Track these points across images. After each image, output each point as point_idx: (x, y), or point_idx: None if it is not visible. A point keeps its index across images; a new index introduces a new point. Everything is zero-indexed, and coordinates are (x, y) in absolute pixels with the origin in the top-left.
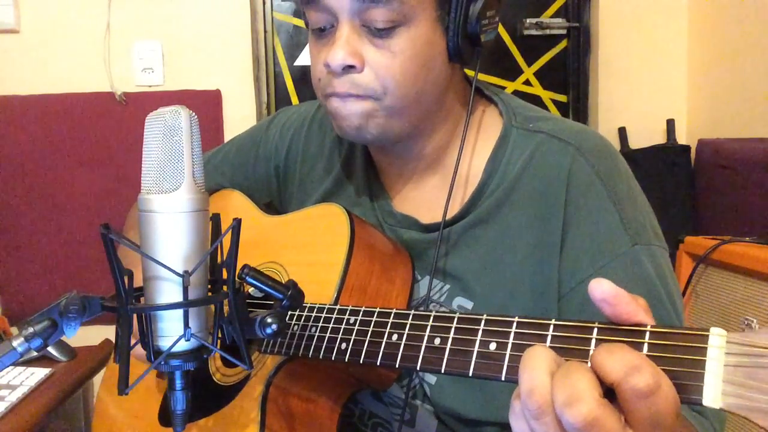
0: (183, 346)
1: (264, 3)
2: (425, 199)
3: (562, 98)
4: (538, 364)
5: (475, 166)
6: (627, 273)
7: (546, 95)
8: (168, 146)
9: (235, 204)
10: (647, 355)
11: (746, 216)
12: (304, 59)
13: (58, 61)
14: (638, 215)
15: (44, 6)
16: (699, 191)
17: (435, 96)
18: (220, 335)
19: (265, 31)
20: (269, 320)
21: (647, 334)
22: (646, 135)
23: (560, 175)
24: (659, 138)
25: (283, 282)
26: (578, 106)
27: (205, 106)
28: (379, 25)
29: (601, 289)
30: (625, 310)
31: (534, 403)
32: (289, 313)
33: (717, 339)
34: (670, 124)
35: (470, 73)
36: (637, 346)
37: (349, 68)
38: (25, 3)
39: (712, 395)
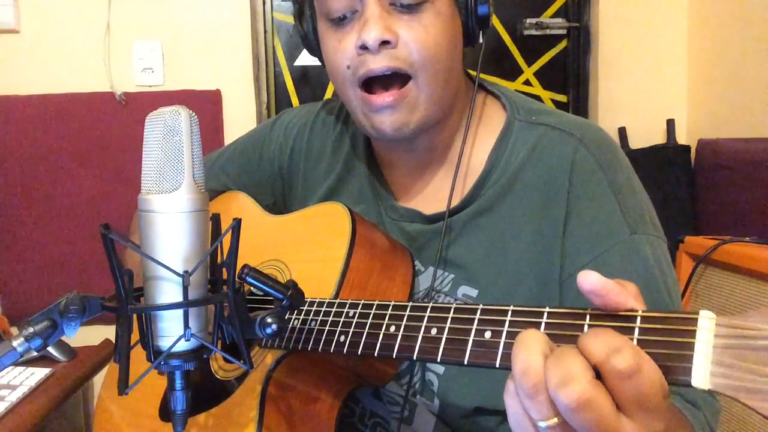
0: (183, 346)
1: (264, 3)
2: (429, 191)
3: (562, 98)
4: (531, 345)
5: (478, 157)
6: (625, 261)
7: (546, 95)
8: (168, 146)
9: (239, 205)
10: (638, 339)
11: (746, 216)
12: (304, 59)
13: (58, 61)
14: (637, 205)
15: (44, 6)
16: (699, 191)
17: (457, 78)
18: (220, 335)
19: (265, 31)
20: (269, 320)
21: (638, 319)
22: (646, 135)
23: (563, 165)
24: (659, 138)
25: (284, 281)
26: (578, 106)
27: (205, 106)
28: (406, 0)
29: (589, 281)
30: (614, 299)
31: (528, 382)
32: None
33: (706, 321)
34: (670, 124)
35: (472, 72)
36: (628, 331)
37: (384, 44)
38: (25, 3)
39: (701, 376)
